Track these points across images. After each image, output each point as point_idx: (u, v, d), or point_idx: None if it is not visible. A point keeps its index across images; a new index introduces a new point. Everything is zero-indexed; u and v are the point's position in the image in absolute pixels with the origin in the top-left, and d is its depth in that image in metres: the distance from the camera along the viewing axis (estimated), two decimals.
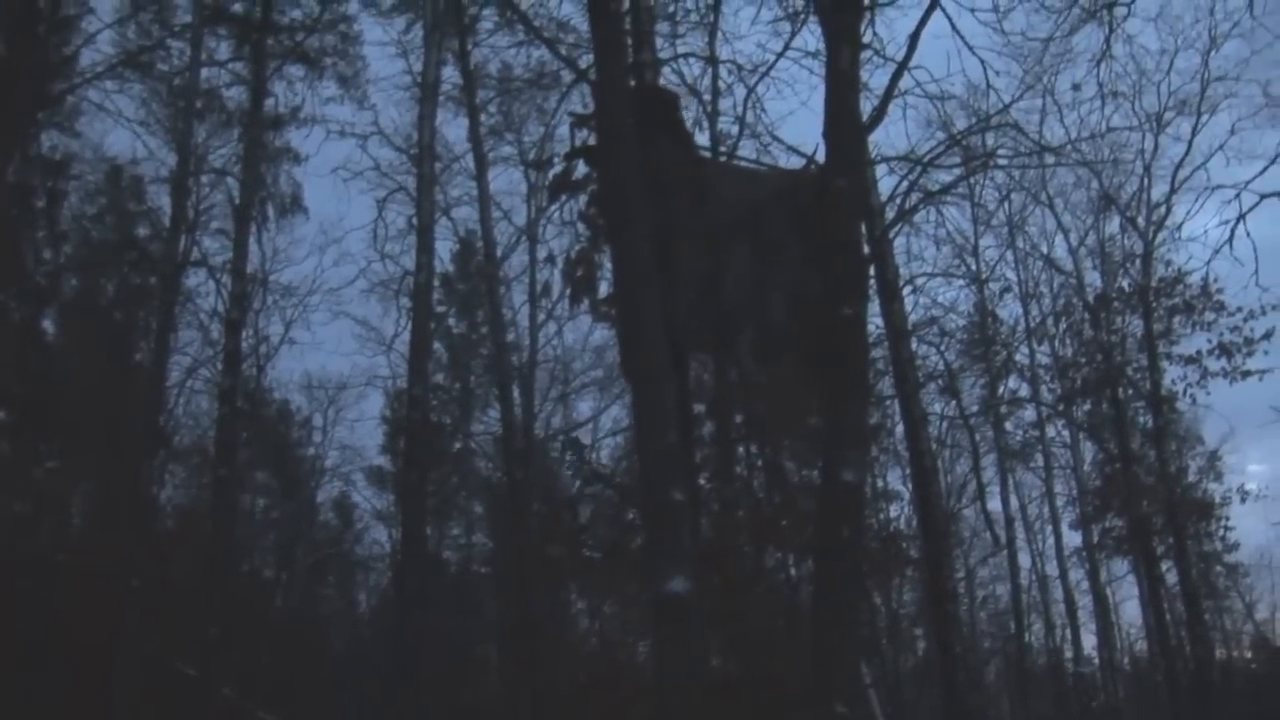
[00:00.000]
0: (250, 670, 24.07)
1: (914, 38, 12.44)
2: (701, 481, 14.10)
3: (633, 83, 11.87)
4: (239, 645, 22.96)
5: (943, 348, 23.74)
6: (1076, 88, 19.98)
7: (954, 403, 25.99)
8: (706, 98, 18.93)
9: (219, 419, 22.41)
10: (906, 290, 21.07)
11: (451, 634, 29.06)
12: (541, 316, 28.45)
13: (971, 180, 23.48)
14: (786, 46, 15.39)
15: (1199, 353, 25.04)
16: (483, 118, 25.15)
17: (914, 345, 20.73)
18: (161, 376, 22.81)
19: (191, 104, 22.45)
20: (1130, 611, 41.89)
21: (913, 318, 21.92)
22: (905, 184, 18.08)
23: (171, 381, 24.92)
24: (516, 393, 26.53)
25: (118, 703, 18.78)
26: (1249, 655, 41.17)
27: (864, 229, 14.09)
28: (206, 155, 24.26)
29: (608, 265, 10.64)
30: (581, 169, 11.69)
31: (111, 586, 18.89)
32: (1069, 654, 34.19)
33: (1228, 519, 28.09)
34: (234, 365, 22.35)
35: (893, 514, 30.99)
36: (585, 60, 15.97)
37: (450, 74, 24.39)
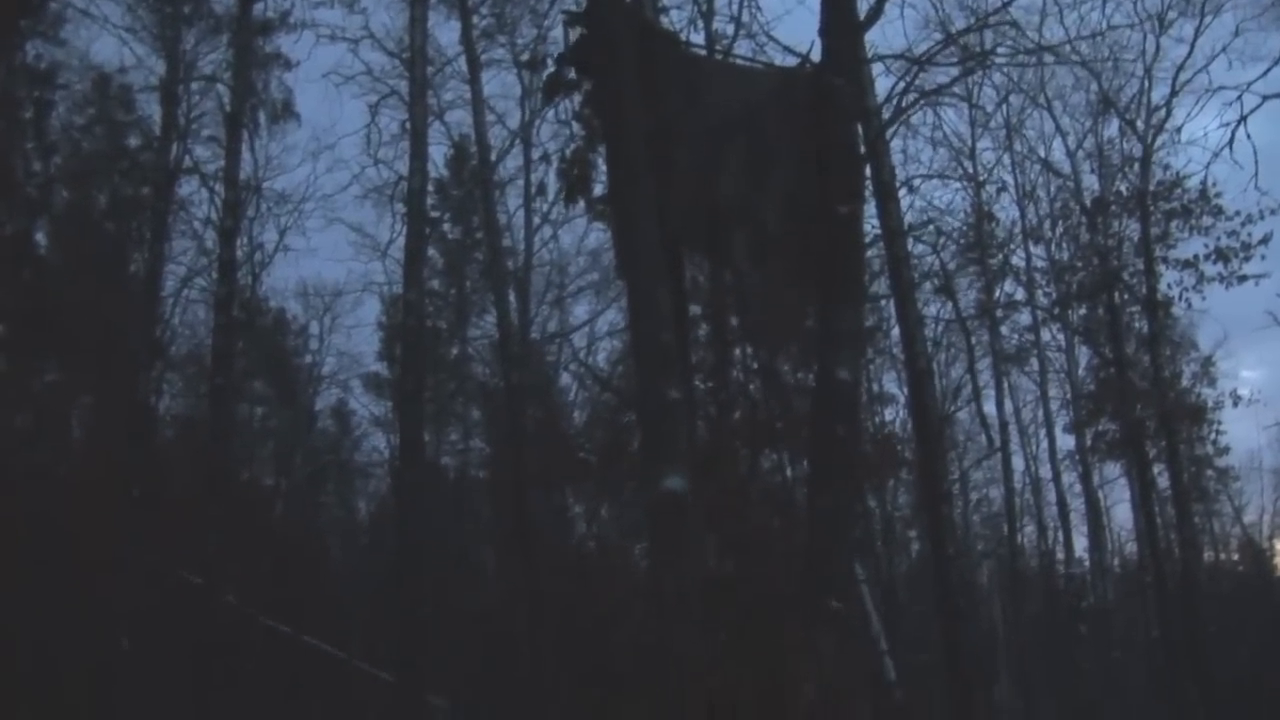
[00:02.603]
0: (252, 578, 24.33)
1: None
2: (698, 384, 14.17)
3: None
4: (240, 554, 23.19)
5: (939, 248, 23.60)
6: None
7: (950, 305, 26.00)
8: None
9: (215, 328, 22.42)
10: (902, 192, 20.84)
11: (450, 539, 29.35)
12: (537, 220, 28.36)
13: (969, 81, 23.13)
14: None
15: (1196, 257, 24.92)
16: (475, 20, 24.78)
17: (910, 245, 20.61)
18: (157, 286, 22.79)
19: (179, 9, 22.13)
20: (1121, 514, 42.32)
21: (908, 219, 21.73)
22: (902, 84, 17.77)
23: (167, 291, 24.85)
24: (512, 297, 26.46)
25: (121, 612, 19.03)
26: (1236, 558, 41.76)
27: (860, 129, 13.95)
28: (196, 62, 23.88)
29: (603, 165, 10.56)
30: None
31: (112, 497, 19.02)
32: (1060, 556, 34.59)
33: (1219, 423, 28.28)
34: (229, 274, 22.30)
35: (888, 417, 31.17)
36: None
37: None
